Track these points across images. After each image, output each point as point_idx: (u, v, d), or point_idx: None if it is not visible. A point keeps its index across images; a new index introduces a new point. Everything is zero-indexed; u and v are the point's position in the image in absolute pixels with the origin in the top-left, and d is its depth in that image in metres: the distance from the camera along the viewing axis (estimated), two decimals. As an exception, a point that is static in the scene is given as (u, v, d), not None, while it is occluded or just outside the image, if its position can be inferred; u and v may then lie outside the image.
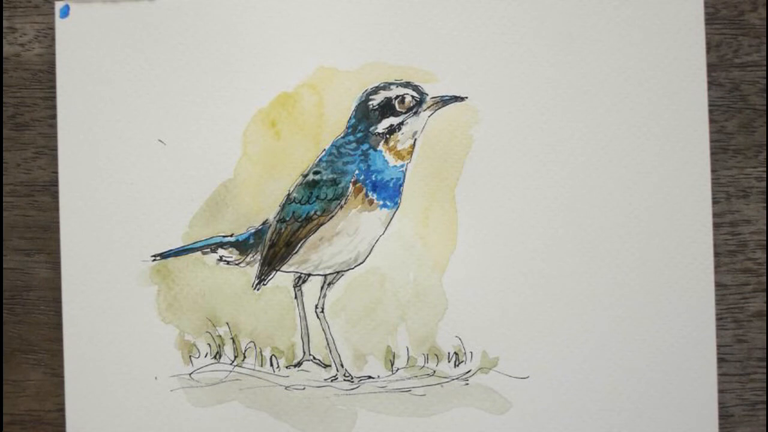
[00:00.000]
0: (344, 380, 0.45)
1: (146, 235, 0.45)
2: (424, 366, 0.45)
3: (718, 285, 0.45)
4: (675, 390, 0.44)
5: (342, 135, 0.45)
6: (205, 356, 0.46)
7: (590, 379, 0.45)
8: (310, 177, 0.45)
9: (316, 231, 0.45)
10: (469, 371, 0.45)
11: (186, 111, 0.45)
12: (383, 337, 0.45)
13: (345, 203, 0.44)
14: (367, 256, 0.45)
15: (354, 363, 0.45)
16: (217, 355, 0.46)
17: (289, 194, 0.45)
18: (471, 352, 0.45)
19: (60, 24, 0.46)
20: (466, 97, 0.45)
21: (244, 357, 0.46)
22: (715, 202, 0.46)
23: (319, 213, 0.45)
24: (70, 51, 0.46)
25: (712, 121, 0.46)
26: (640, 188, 0.45)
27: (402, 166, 0.45)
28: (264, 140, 0.45)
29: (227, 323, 0.46)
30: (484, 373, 0.45)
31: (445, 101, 0.45)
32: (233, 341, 0.46)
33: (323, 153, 0.45)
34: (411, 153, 0.45)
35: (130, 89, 0.46)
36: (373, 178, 0.45)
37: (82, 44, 0.46)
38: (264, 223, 0.45)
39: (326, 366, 0.45)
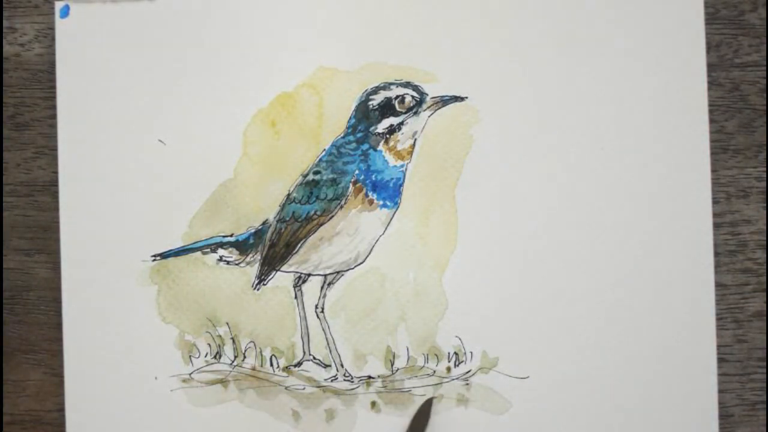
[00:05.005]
0: (344, 380, 0.45)
1: (146, 235, 0.45)
2: (424, 366, 0.45)
3: (718, 285, 0.45)
4: (675, 390, 0.44)
5: (342, 135, 0.45)
6: (205, 356, 0.46)
7: (590, 379, 0.45)
8: (310, 177, 0.45)
9: (316, 231, 0.45)
10: (469, 371, 0.45)
11: (186, 111, 0.45)
12: (383, 337, 0.45)
13: (345, 203, 0.44)
14: (367, 256, 0.45)
15: (354, 363, 0.45)
16: (217, 355, 0.46)
17: (289, 194, 0.45)
18: (471, 352, 0.45)
19: (60, 24, 0.46)
20: (466, 97, 0.45)
21: (244, 357, 0.46)
22: (715, 202, 0.46)
23: (319, 213, 0.45)
24: (70, 51, 0.46)
25: (712, 121, 0.46)
26: (641, 188, 0.45)
27: (402, 166, 0.45)
28: (264, 140, 0.45)
29: (227, 323, 0.46)
30: (484, 373, 0.45)
31: (445, 101, 0.45)
32: (233, 341, 0.46)
33: (323, 153, 0.45)
34: (411, 153, 0.45)
35: (130, 89, 0.46)
36: (373, 178, 0.45)
37: (82, 44, 0.46)
38: (264, 223, 0.45)
39: (326, 366, 0.45)
